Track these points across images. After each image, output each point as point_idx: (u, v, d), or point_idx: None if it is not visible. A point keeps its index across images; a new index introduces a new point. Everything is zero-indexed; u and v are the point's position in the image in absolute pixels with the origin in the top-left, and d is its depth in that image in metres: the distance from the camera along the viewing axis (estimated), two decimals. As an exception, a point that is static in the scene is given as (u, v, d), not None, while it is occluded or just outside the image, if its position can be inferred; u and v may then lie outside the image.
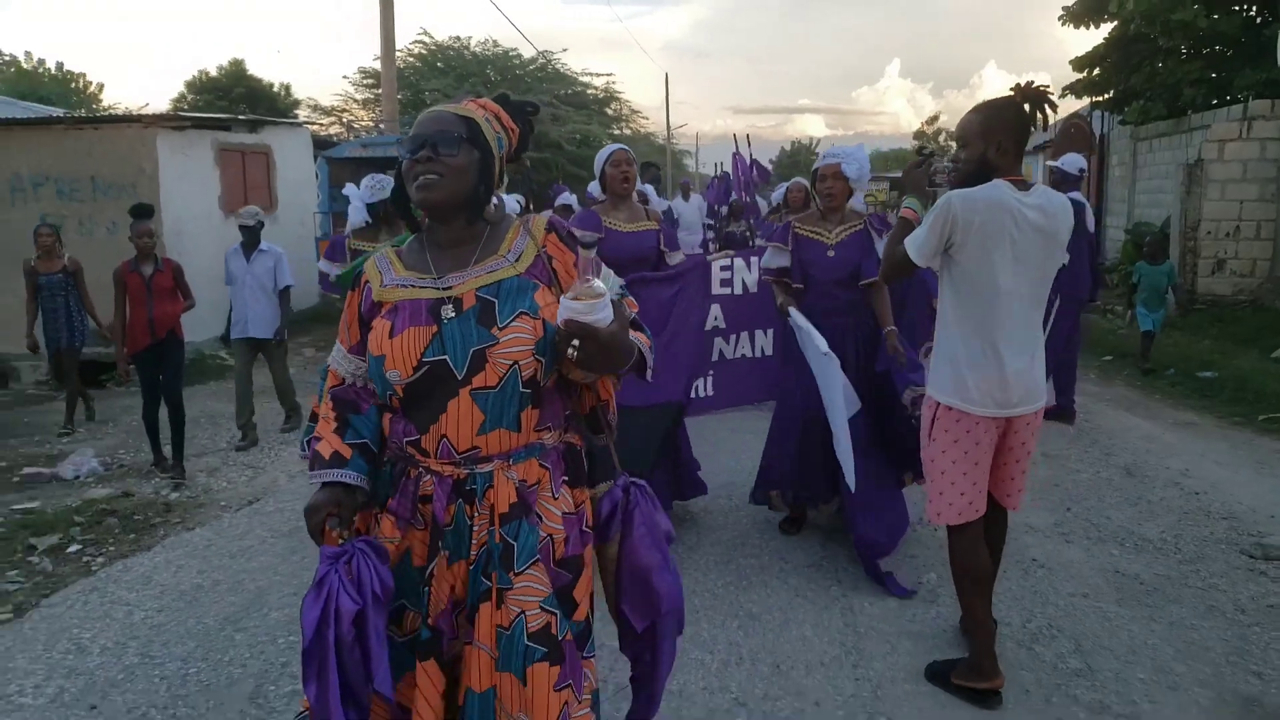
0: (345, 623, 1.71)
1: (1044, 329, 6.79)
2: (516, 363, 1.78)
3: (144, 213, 6.25)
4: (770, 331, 5.13)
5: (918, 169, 3.20)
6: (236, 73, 34.88)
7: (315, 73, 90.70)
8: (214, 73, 35.36)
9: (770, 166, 23.94)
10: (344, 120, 32.46)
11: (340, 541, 1.80)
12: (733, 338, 5.09)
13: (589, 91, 31.42)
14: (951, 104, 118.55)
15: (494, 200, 2.00)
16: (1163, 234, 11.34)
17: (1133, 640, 3.42)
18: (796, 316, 4.23)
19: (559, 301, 1.76)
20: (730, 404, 5.09)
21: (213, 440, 7.05)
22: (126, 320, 6.07)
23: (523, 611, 1.78)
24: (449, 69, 28.99)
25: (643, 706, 2.10)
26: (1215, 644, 3.38)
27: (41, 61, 39.27)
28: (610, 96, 33.12)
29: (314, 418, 2.05)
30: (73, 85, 37.49)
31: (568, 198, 9.73)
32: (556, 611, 1.81)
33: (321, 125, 29.88)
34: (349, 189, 5.21)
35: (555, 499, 1.86)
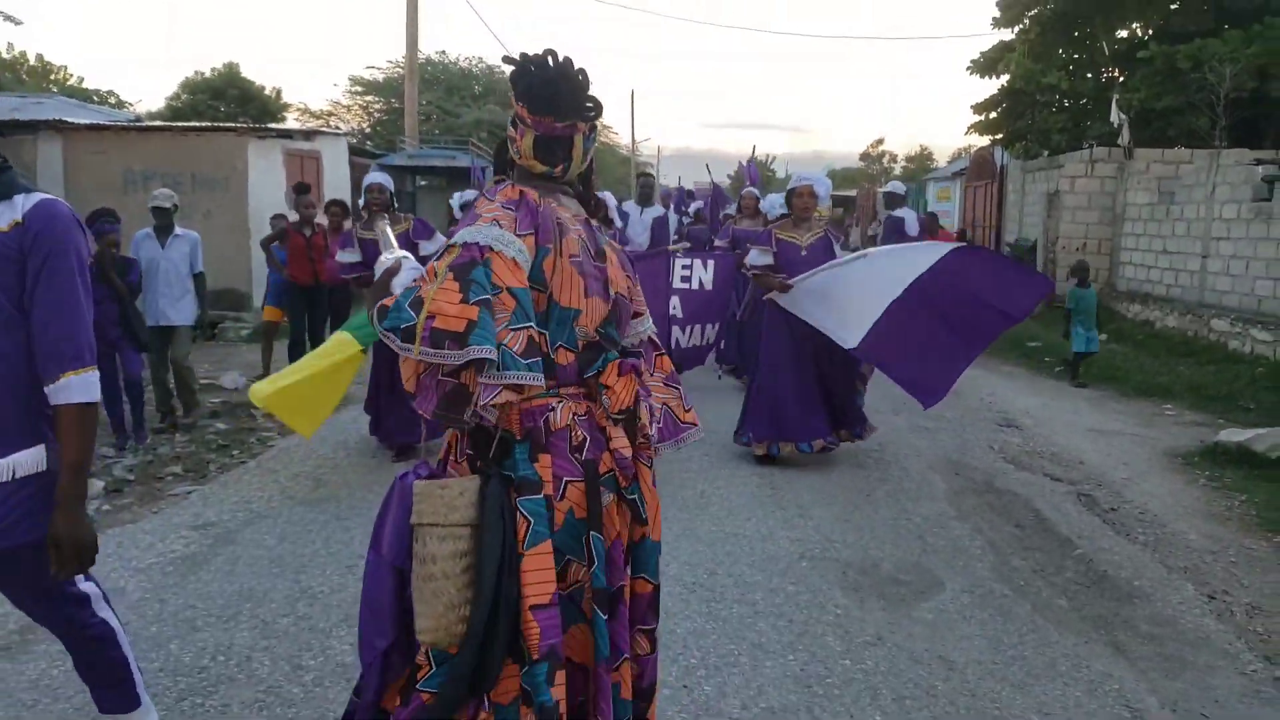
0: None
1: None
2: None
3: (304, 189, 8.37)
4: (716, 325, 6.56)
5: None
6: (230, 75, 36.72)
7: (307, 78, 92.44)
8: (208, 74, 37.06)
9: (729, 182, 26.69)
10: (331, 124, 34.75)
11: None
12: (688, 328, 6.36)
13: (564, 106, 34.36)
14: (903, 125, 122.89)
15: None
16: (1083, 261, 11.57)
17: (911, 445, 6.43)
18: (798, 281, 5.55)
19: None
20: None
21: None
22: (291, 264, 8.11)
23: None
24: (436, 81, 31.52)
25: None
26: (950, 444, 6.41)
27: (23, 53, 40.49)
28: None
29: None
30: (53, 77, 38.86)
31: None
32: None
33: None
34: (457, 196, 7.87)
35: None
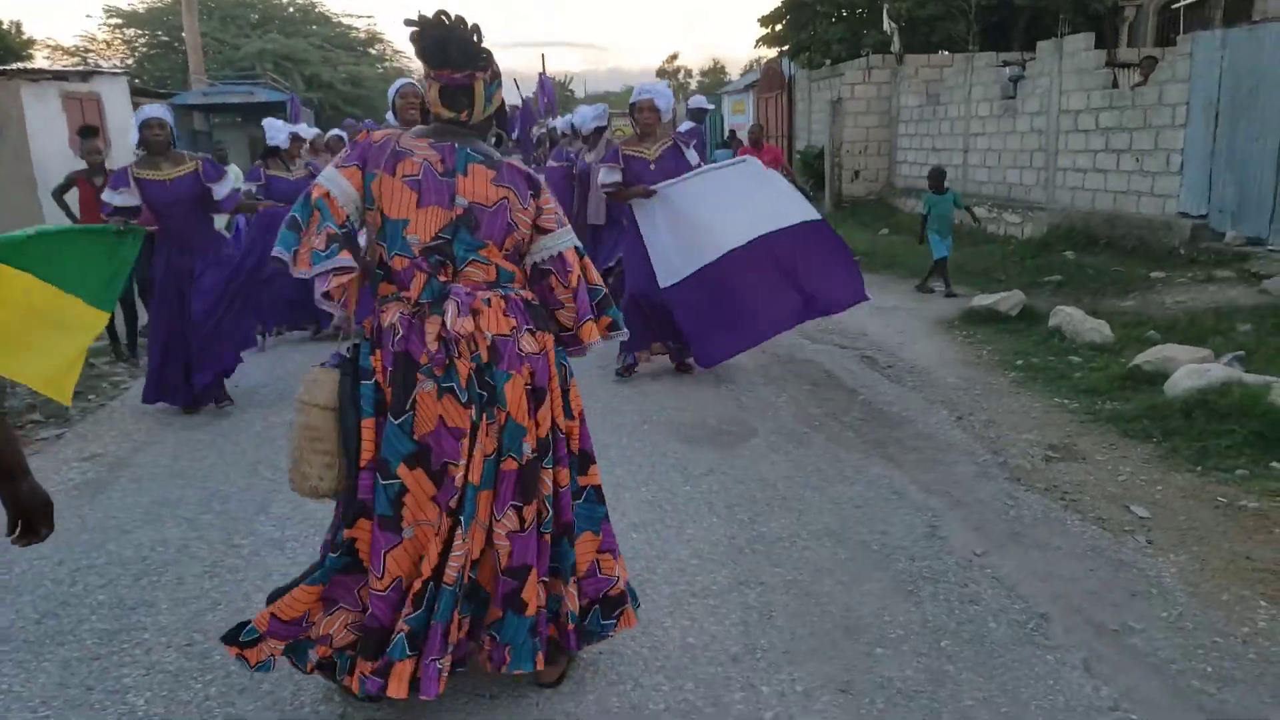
0: None
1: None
2: None
3: (90, 133, 7.54)
4: None
5: None
6: (-39, 9, 32.94)
7: (47, 9, 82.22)
8: (-66, 7, 33.02)
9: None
10: (89, 60, 32.05)
11: None
12: None
13: (352, 34, 33.18)
14: (696, 39, 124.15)
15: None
16: (939, 167, 10.32)
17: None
18: (663, 187, 5.50)
19: None
20: None
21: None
22: (82, 218, 7.47)
23: None
24: (208, 10, 29.66)
25: None
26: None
27: None
28: (374, 38, 34.95)
29: None
30: None
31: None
32: None
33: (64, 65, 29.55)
34: (270, 120, 7.90)
35: None
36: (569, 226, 2.57)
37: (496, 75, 2.43)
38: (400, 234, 2.34)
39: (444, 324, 2.30)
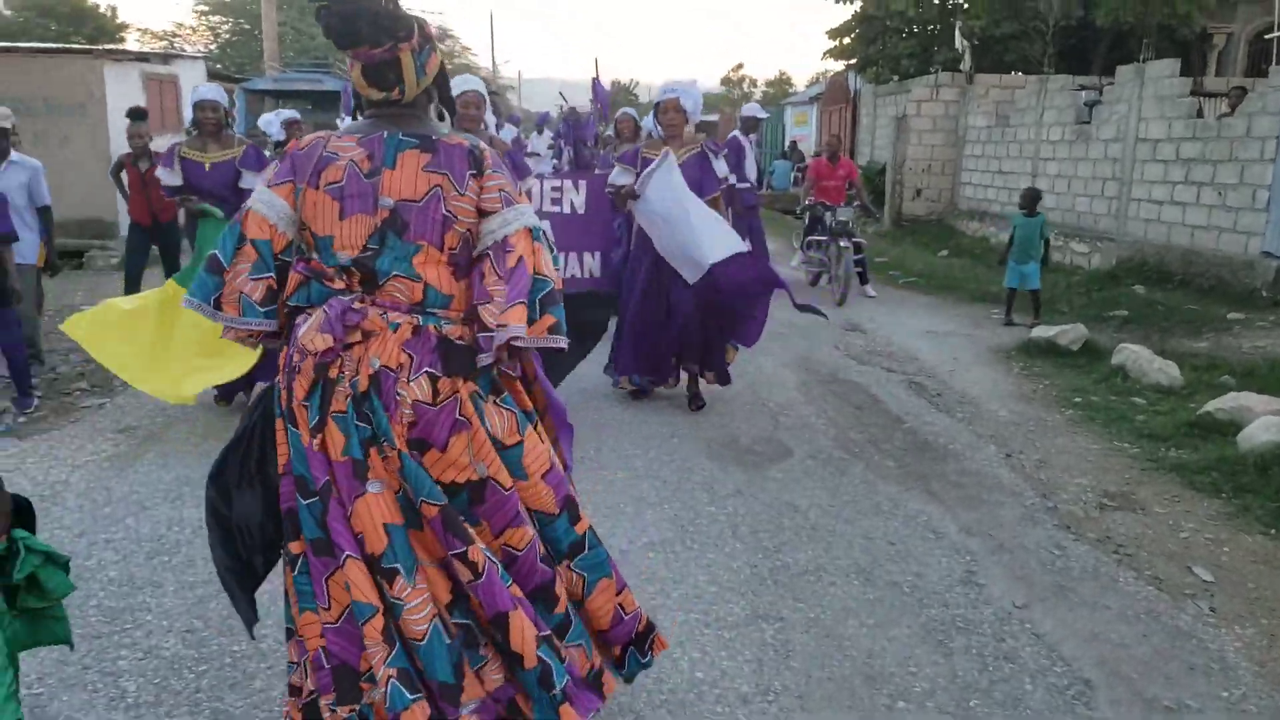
0: None
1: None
2: None
3: (139, 115, 7.35)
4: (597, 255, 5.94)
5: None
6: (63, -9, 34.14)
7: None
8: (37, -12, 34.30)
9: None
10: (174, 45, 32.97)
11: None
12: (560, 256, 4.99)
13: (425, 28, 33.69)
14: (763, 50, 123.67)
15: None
16: (1034, 188, 9.46)
17: (765, 347, 7.17)
18: (643, 181, 5.02)
19: None
20: None
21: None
22: (129, 201, 7.31)
23: None
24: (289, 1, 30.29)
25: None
26: (800, 345, 7.21)
27: None
28: (443, 34, 35.43)
29: None
30: None
31: None
32: None
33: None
34: (264, 118, 7.90)
35: None
36: (522, 206, 2.18)
37: (427, 40, 2.13)
38: (330, 250, 2.10)
39: (295, 334, 2.10)
